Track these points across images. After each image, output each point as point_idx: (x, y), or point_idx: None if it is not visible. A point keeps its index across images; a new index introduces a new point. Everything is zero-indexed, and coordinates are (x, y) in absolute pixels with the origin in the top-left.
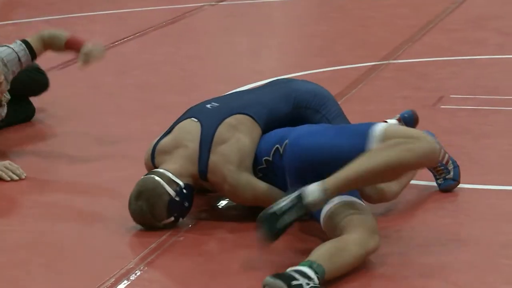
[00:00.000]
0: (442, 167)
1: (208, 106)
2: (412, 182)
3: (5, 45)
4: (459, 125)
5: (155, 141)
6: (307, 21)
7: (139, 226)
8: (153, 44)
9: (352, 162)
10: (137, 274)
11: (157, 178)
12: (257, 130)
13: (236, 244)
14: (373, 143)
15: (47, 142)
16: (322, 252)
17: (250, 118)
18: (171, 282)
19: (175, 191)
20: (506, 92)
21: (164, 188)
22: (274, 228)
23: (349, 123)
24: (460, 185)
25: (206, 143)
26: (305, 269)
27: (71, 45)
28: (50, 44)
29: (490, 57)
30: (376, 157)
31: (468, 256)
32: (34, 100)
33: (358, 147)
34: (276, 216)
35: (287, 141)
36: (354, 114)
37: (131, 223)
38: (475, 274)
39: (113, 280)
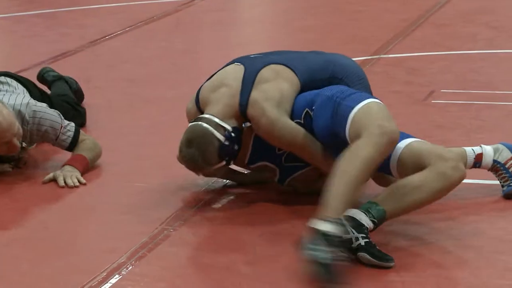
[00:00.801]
0: (508, 175)
1: (252, 56)
2: None
3: (58, 113)
4: (451, 120)
5: (198, 88)
6: (296, 15)
7: (130, 221)
8: (144, 38)
9: (334, 185)
10: (129, 269)
11: (205, 124)
12: (297, 82)
13: (229, 239)
14: (347, 131)
15: None
16: (389, 192)
17: (291, 71)
18: (163, 276)
19: (224, 135)
20: (498, 87)
21: (213, 134)
22: (329, 275)
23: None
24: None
25: (249, 80)
26: (358, 215)
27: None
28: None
29: (480, 51)
30: (351, 172)
31: (463, 252)
32: None
33: (342, 133)
34: (321, 265)
35: (314, 107)
36: None
37: (123, 217)
38: (470, 269)
39: (105, 274)
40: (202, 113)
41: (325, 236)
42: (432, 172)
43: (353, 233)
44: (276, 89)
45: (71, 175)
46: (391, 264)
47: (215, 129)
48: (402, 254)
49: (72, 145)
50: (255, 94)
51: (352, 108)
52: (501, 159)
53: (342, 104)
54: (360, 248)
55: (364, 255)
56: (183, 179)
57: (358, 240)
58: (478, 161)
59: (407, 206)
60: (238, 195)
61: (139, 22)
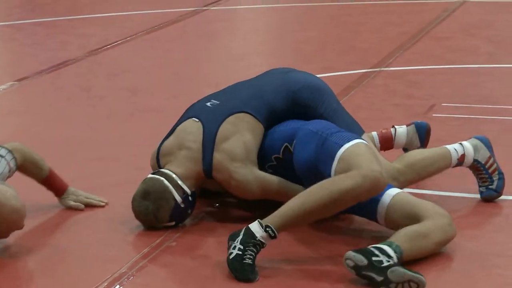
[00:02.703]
0: (487, 176)
1: (208, 104)
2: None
3: None
4: (452, 134)
5: (159, 144)
6: (296, 27)
7: (131, 231)
8: (145, 47)
9: (295, 200)
10: (130, 279)
11: (165, 182)
12: (259, 126)
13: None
14: (333, 169)
15: (38, 146)
16: (402, 235)
17: (251, 116)
18: (164, 286)
19: (182, 197)
20: (498, 101)
21: (172, 194)
22: (245, 271)
23: (347, 116)
24: (452, 194)
25: (209, 142)
26: (386, 248)
27: (52, 181)
28: (28, 168)
29: (481, 66)
30: (314, 197)
31: (462, 265)
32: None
33: (328, 170)
34: (239, 261)
35: (295, 141)
36: None
37: (124, 227)
38: (469, 283)
39: (106, 284)
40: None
41: (250, 236)
42: (435, 225)
43: (383, 256)
44: (238, 146)
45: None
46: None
47: (175, 188)
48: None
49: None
50: (218, 157)
51: (340, 146)
52: (481, 158)
53: (329, 140)
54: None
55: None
56: None
57: (389, 261)
58: (461, 161)
59: (417, 251)
60: (239, 204)
61: (140, 31)
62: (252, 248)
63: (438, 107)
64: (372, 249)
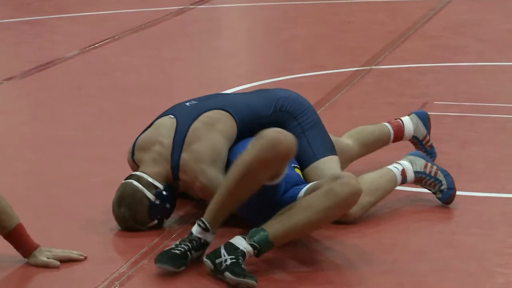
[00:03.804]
0: (432, 179)
1: (187, 104)
2: (400, 188)
3: None
4: (445, 132)
5: (135, 138)
6: (284, 25)
7: (127, 232)
8: (133, 46)
9: (218, 189)
10: (129, 279)
11: (135, 183)
12: (233, 127)
13: None
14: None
15: (30, 146)
16: (275, 216)
17: (228, 114)
18: (163, 286)
19: (155, 194)
20: (490, 99)
21: (143, 193)
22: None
23: (324, 133)
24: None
25: (179, 140)
26: (235, 240)
27: (19, 235)
28: None
29: (471, 64)
30: (229, 176)
31: (463, 264)
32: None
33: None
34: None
35: None
36: (338, 120)
37: (119, 227)
38: (470, 282)
39: (106, 283)
40: (138, 167)
41: (189, 235)
42: (320, 191)
43: (224, 256)
44: (207, 148)
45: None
46: (253, 282)
47: (146, 187)
48: (399, 265)
49: None
50: (185, 157)
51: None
52: (419, 168)
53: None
54: (225, 268)
55: (227, 274)
56: None
57: (226, 261)
58: (404, 176)
59: (293, 227)
60: None
61: (128, 30)
62: (187, 242)
63: (430, 105)
64: (221, 247)
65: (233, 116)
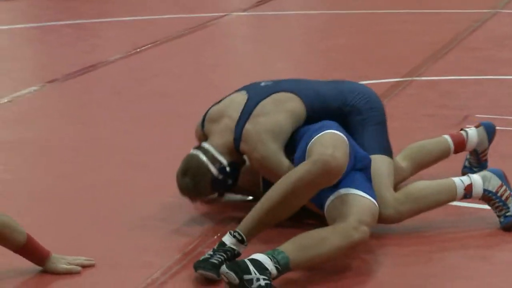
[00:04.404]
0: (501, 204)
1: (262, 84)
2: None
3: None
4: (490, 147)
5: (206, 110)
6: (324, 34)
7: (165, 236)
8: (174, 52)
9: (259, 201)
10: (164, 285)
11: (201, 156)
12: (302, 109)
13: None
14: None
15: (70, 148)
16: (294, 241)
17: (298, 98)
18: None
19: (218, 169)
20: None
21: (207, 167)
22: (206, 266)
23: (384, 135)
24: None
25: (247, 113)
26: (263, 258)
27: (33, 247)
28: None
29: None
30: (273, 193)
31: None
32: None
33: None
34: (206, 260)
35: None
36: None
37: (158, 232)
38: None
39: None
40: (206, 138)
41: (220, 245)
42: (335, 228)
43: (255, 274)
44: (271, 122)
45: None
46: None
47: (211, 161)
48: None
49: None
50: (248, 128)
51: (312, 138)
52: (491, 187)
53: (311, 137)
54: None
55: None
56: None
57: (259, 281)
58: (468, 192)
59: (310, 258)
60: None
61: (169, 35)
62: (221, 253)
63: (472, 118)
64: (248, 263)
65: (303, 100)
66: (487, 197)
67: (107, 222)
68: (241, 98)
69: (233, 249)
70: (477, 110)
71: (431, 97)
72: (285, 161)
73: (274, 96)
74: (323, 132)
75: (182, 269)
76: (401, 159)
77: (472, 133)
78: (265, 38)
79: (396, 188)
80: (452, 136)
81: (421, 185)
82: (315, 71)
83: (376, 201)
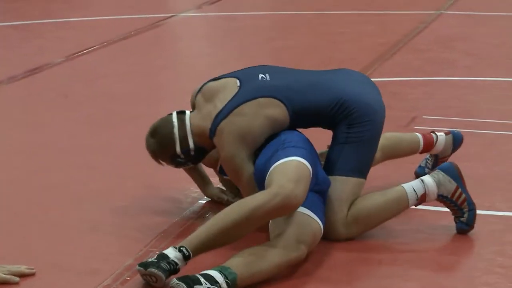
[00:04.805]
0: (456, 207)
1: (260, 76)
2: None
3: None
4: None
5: (207, 81)
6: (273, 35)
7: (114, 242)
8: (121, 53)
9: (210, 221)
10: None
11: (175, 130)
12: (283, 119)
13: (215, 260)
14: (266, 180)
15: (16, 152)
16: (239, 258)
17: (283, 106)
18: None
19: (183, 151)
20: (479, 115)
21: (174, 143)
22: (161, 269)
23: (365, 153)
24: (438, 209)
25: (229, 109)
26: (214, 273)
27: None
28: None
29: (460, 78)
30: (226, 216)
31: (451, 282)
32: None
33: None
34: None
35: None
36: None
37: (107, 238)
38: None
39: None
40: (194, 106)
41: (162, 257)
42: (274, 246)
43: (206, 284)
44: (246, 126)
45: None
46: None
47: (180, 139)
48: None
49: None
50: (223, 126)
51: (279, 159)
52: (446, 192)
53: (278, 152)
54: None
55: None
56: (166, 199)
57: None
58: (422, 200)
59: (252, 274)
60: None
61: (115, 37)
62: (166, 263)
63: (419, 119)
64: (198, 276)
65: (287, 109)
66: (442, 201)
67: (55, 227)
68: (232, 88)
69: (176, 263)
70: (424, 112)
71: None
72: (248, 168)
73: (260, 100)
74: (288, 159)
75: (133, 275)
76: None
77: (441, 138)
78: (213, 39)
79: None
80: (424, 137)
81: (370, 204)
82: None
83: (323, 223)
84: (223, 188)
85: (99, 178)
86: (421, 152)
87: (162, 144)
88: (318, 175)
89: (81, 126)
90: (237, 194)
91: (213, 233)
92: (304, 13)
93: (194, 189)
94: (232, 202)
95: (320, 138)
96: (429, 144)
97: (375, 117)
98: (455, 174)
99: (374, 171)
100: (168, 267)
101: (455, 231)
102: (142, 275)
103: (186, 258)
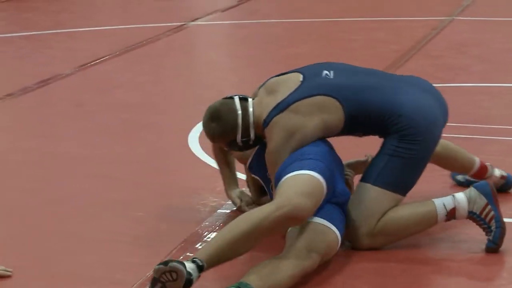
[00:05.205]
0: (485, 225)
1: (324, 73)
2: None
3: None
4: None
5: (273, 76)
6: (286, 42)
7: (135, 252)
8: (134, 62)
9: (217, 234)
10: None
11: (239, 118)
12: (338, 124)
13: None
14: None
15: (31, 163)
16: (255, 272)
17: (341, 109)
18: None
19: (243, 140)
20: (496, 121)
21: (235, 133)
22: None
23: (410, 172)
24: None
25: (287, 102)
26: None
27: None
28: None
29: (475, 85)
30: (236, 227)
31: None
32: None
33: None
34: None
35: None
36: (346, 139)
37: (125, 248)
38: None
39: None
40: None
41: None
42: (287, 257)
43: None
44: (298, 125)
45: None
46: None
47: (243, 129)
48: None
49: None
50: (277, 120)
51: (292, 171)
52: (476, 209)
53: (294, 163)
54: None
55: None
56: (184, 209)
57: None
58: (451, 216)
59: (270, 286)
60: None
61: (128, 46)
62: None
63: None
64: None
65: (344, 111)
66: (473, 218)
67: (73, 237)
68: (295, 82)
69: (190, 273)
70: None
71: None
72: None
73: (319, 98)
74: (301, 172)
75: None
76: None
77: (496, 178)
78: (225, 47)
79: None
80: (481, 164)
81: (398, 216)
82: None
83: (341, 234)
84: (246, 192)
85: (116, 188)
86: (471, 176)
87: (223, 131)
88: (336, 188)
89: (96, 136)
90: (260, 196)
91: (223, 244)
92: (315, 20)
93: (212, 199)
94: (244, 210)
95: (351, 148)
96: (482, 174)
97: (429, 135)
98: (487, 191)
99: None
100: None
101: (479, 241)
102: (161, 273)
103: (200, 269)
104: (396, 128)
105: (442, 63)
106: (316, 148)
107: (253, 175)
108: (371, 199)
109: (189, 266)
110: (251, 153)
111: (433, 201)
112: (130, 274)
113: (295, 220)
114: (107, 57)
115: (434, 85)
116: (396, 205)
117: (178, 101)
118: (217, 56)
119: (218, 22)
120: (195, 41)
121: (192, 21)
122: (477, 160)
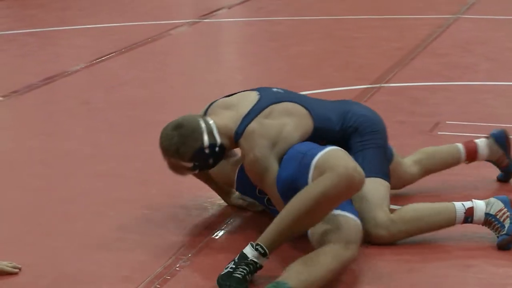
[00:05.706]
0: (499, 224)
1: (274, 89)
2: None
3: None
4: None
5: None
6: (291, 41)
7: (142, 249)
8: (140, 60)
9: (279, 214)
10: None
11: (201, 123)
12: (309, 128)
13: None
14: (310, 178)
15: (38, 161)
16: (292, 270)
17: (308, 114)
18: None
19: (209, 144)
20: (501, 120)
21: (201, 135)
22: (231, 280)
23: (382, 159)
24: None
25: (255, 112)
26: None
27: None
28: None
29: (481, 83)
30: (295, 205)
31: None
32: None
33: (305, 181)
34: (228, 274)
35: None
36: None
37: (133, 245)
38: None
39: None
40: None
41: (242, 257)
42: (327, 252)
43: None
44: (276, 128)
45: None
46: None
47: (207, 133)
48: None
49: None
50: (252, 126)
51: (315, 154)
52: (493, 211)
53: (306, 155)
54: None
55: None
56: (191, 207)
57: None
58: (469, 215)
59: (309, 284)
60: (247, 219)
61: (133, 43)
62: (244, 266)
63: (442, 124)
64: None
65: (313, 118)
66: (489, 221)
67: (81, 235)
68: (253, 96)
69: (255, 262)
70: (447, 117)
71: (401, 104)
72: (275, 172)
73: (286, 104)
74: (329, 149)
75: (162, 283)
76: (412, 163)
77: (482, 145)
78: (230, 45)
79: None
80: (465, 145)
81: (417, 208)
82: (283, 78)
83: (359, 219)
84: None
85: (123, 186)
86: (468, 162)
87: (188, 137)
88: None
89: (103, 134)
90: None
91: (286, 225)
92: (320, 18)
93: (219, 197)
94: (255, 204)
95: None
96: (472, 151)
97: (382, 126)
98: (506, 200)
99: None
100: (246, 270)
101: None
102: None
103: (263, 255)
104: (352, 129)
105: (448, 62)
106: (312, 143)
107: (243, 197)
108: (370, 190)
109: (253, 254)
110: (234, 175)
111: (452, 202)
112: (137, 271)
113: (355, 187)
114: (112, 54)
115: (440, 83)
116: (388, 191)
117: (184, 98)
118: (222, 54)
119: (223, 20)
120: (200, 38)
121: (198, 18)
122: (459, 144)
